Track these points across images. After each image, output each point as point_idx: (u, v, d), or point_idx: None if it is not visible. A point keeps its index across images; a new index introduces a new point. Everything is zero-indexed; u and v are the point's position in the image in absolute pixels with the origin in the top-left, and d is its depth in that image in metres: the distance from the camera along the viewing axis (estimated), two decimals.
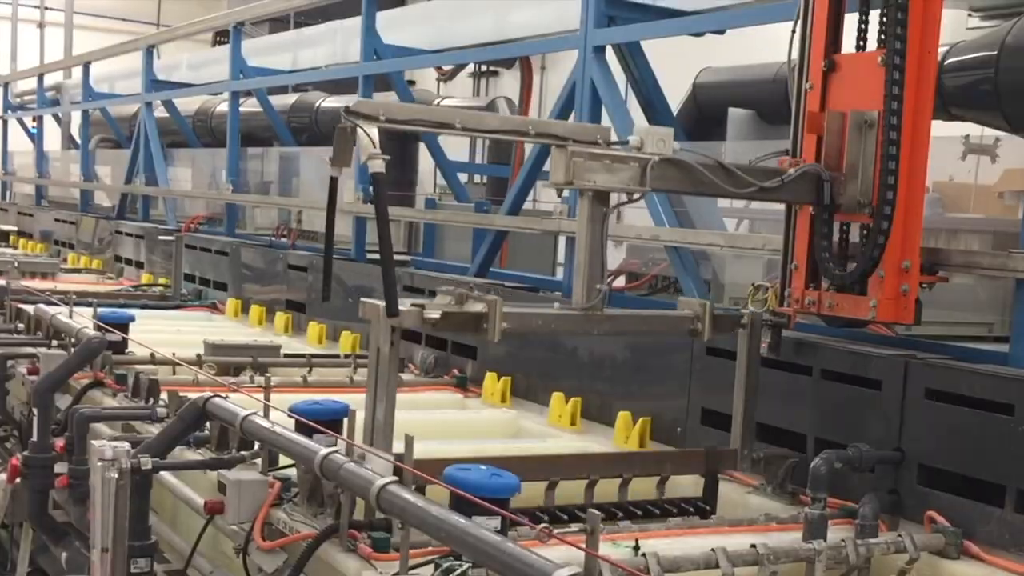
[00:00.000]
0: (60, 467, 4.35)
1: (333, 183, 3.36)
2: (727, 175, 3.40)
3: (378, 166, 3.11)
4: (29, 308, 6.24)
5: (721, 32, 4.93)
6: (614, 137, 3.55)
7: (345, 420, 3.17)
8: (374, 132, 3.13)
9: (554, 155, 3.34)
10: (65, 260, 10.91)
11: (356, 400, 3.76)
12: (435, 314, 3.19)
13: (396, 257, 7.57)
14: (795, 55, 3.71)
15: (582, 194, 3.39)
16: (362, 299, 3.31)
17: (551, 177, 3.36)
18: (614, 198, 3.45)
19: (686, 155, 3.37)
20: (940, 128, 3.80)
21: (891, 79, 3.33)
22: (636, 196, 3.44)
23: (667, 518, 3.46)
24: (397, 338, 3.16)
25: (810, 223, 3.60)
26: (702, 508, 3.57)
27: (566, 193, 5.30)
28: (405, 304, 3.18)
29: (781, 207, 3.76)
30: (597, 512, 2.19)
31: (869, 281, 3.48)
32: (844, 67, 3.56)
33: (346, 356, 5.88)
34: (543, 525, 2.31)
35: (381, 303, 3.13)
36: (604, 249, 3.41)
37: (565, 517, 3.33)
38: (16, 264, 8.77)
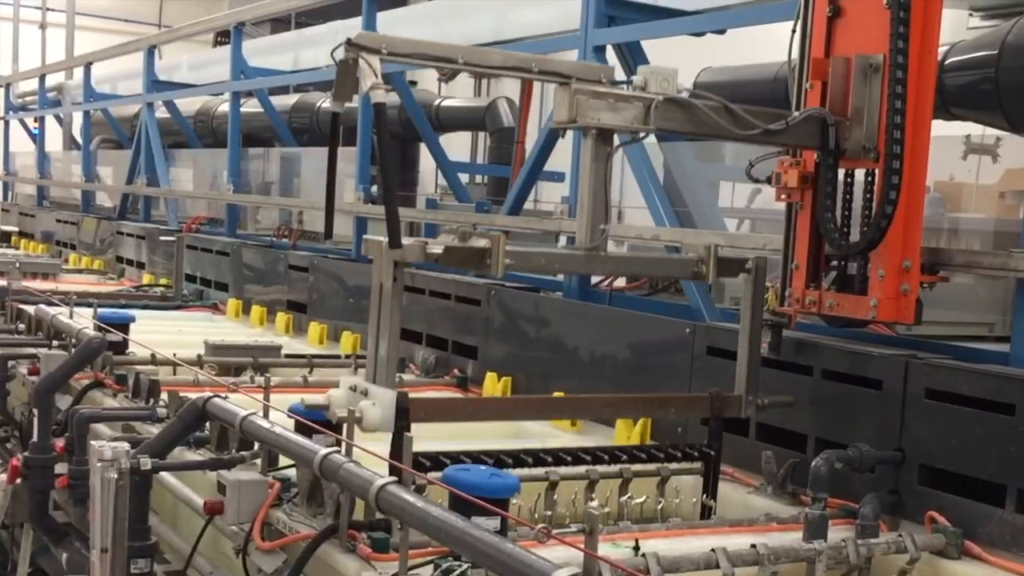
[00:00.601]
0: (60, 468, 4.35)
1: (335, 119, 3.37)
2: (731, 117, 3.37)
3: (380, 96, 3.11)
4: (30, 309, 6.24)
5: (721, 32, 4.93)
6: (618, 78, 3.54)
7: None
8: (376, 64, 3.13)
9: (558, 94, 3.32)
10: (66, 261, 10.92)
11: None
12: (437, 249, 3.17)
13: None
14: (795, 55, 3.71)
15: (585, 133, 3.37)
16: (365, 236, 3.31)
17: (555, 117, 3.34)
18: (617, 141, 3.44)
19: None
20: (941, 128, 3.79)
21: (897, 19, 3.30)
22: (641, 136, 3.42)
23: (670, 462, 3.49)
24: (400, 274, 3.15)
25: (814, 175, 3.55)
26: (706, 453, 3.56)
27: (566, 192, 5.30)
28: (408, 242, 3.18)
29: (781, 207, 3.75)
30: (596, 511, 2.19)
31: (869, 280, 3.47)
32: (849, 11, 3.52)
33: (347, 356, 5.88)
34: (542, 525, 2.31)
35: (384, 238, 3.12)
36: (607, 190, 3.39)
37: (569, 459, 3.37)
38: (17, 265, 8.78)
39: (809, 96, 3.59)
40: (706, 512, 3.55)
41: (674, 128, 3.44)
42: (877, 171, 3.42)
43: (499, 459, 3.28)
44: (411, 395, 5.10)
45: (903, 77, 3.31)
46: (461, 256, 3.22)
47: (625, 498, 3.49)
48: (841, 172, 3.55)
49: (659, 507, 3.52)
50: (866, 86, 3.43)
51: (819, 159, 3.54)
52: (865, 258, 3.48)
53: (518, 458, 3.34)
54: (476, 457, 3.22)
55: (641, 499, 3.51)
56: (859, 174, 3.56)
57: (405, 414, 3.09)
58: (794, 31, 3.70)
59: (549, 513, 3.39)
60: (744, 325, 3.70)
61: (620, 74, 5.11)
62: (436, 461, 3.14)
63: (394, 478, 2.69)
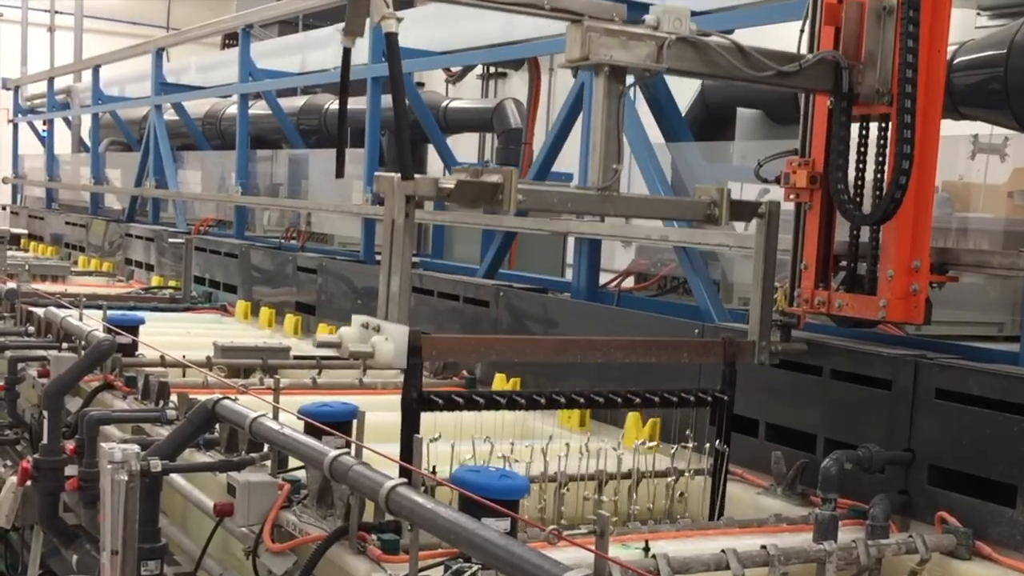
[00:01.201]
0: (70, 470, 4.36)
1: (346, 54, 3.37)
2: (744, 58, 3.36)
3: (391, 26, 3.10)
4: (40, 311, 6.25)
5: (729, 32, 4.91)
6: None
7: (354, 422, 3.17)
8: None
9: (570, 31, 3.31)
10: (75, 263, 10.95)
11: (365, 402, 3.77)
12: (450, 184, 3.15)
13: None
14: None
15: (598, 72, 3.35)
16: (376, 173, 3.30)
17: (567, 55, 3.32)
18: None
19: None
20: (949, 127, 3.79)
21: None
22: (651, 75, 3.40)
23: (682, 406, 3.51)
24: (412, 209, 3.13)
25: (827, 122, 3.54)
26: (719, 398, 3.56)
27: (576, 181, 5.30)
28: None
29: (790, 207, 3.75)
30: (606, 514, 2.19)
31: (879, 280, 3.47)
32: None
33: (355, 358, 5.87)
34: (552, 527, 2.31)
35: (395, 174, 3.11)
36: (620, 128, 3.37)
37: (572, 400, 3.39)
38: (27, 267, 8.82)
39: (822, 40, 3.55)
40: (719, 459, 3.54)
41: (687, 68, 3.42)
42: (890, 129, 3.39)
43: (511, 399, 3.34)
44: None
45: (916, 17, 3.29)
46: (473, 191, 3.18)
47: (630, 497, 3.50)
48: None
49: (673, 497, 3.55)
50: (880, 29, 3.42)
51: (832, 106, 3.52)
52: (875, 255, 3.48)
53: (531, 399, 3.40)
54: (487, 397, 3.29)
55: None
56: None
57: (417, 351, 3.08)
58: (802, 31, 3.69)
59: (566, 510, 3.39)
60: (757, 271, 3.68)
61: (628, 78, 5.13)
62: (448, 400, 3.20)
63: (404, 480, 2.69)
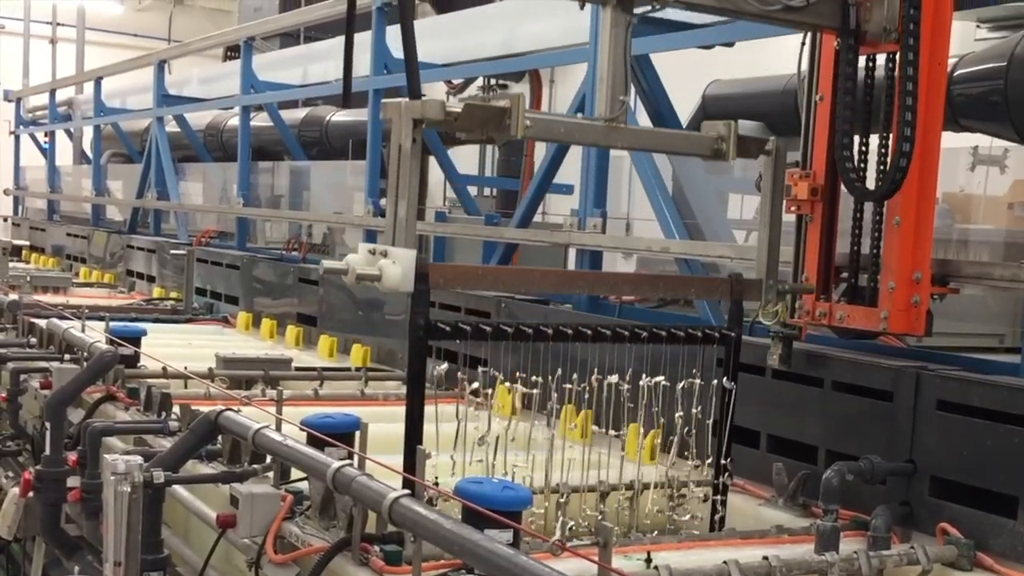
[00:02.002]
0: (73, 481, 4.37)
1: None
2: None
3: None
4: (42, 322, 6.26)
5: (730, 45, 4.94)
6: None
7: (357, 433, 3.18)
8: None
9: None
10: (77, 274, 10.96)
11: (367, 413, 3.77)
12: (457, 108, 3.13)
13: None
14: (804, 67, 3.72)
15: (605, 2, 3.33)
16: (383, 100, 3.28)
17: None
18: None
19: None
20: (949, 140, 3.80)
21: None
22: (659, 5, 3.39)
23: (690, 343, 3.48)
24: (419, 134, 3.11)
25: (834, 64, 3.51)
26: (727, 335, 3.55)
27: (576, 205, 5.31)
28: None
29: (791, 219, 3.76)
30: (609, 525, 2.20)
31: (880, 292, 3.48)
32: None
33: (357, 369, 5.89)
34: (555, 539, 2.32)
35: (402, 100, 3.11)
36: (628, 59, 3.35)
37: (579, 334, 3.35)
38: (29, 278, 8.82)
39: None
40: (726, 395, 3.53)
41: (695, 0, 3.39)
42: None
43: (519, 329, 3.32)
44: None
45: None
46: (480, 115, 3.15)
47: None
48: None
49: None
50: None
51: (839, 45, 3.50)
52: (876, 267, 3.49)
53: (538, 331, 3.35)
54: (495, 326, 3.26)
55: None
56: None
57: (424, 279, 3.06)
58: (803, 43, 3.71)
59: (570, 522, 3.40)
60: (764, 210, 3.66)
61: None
62: (455, 328, 3.19)
63: (407, 491, 2.70)
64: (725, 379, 3.56)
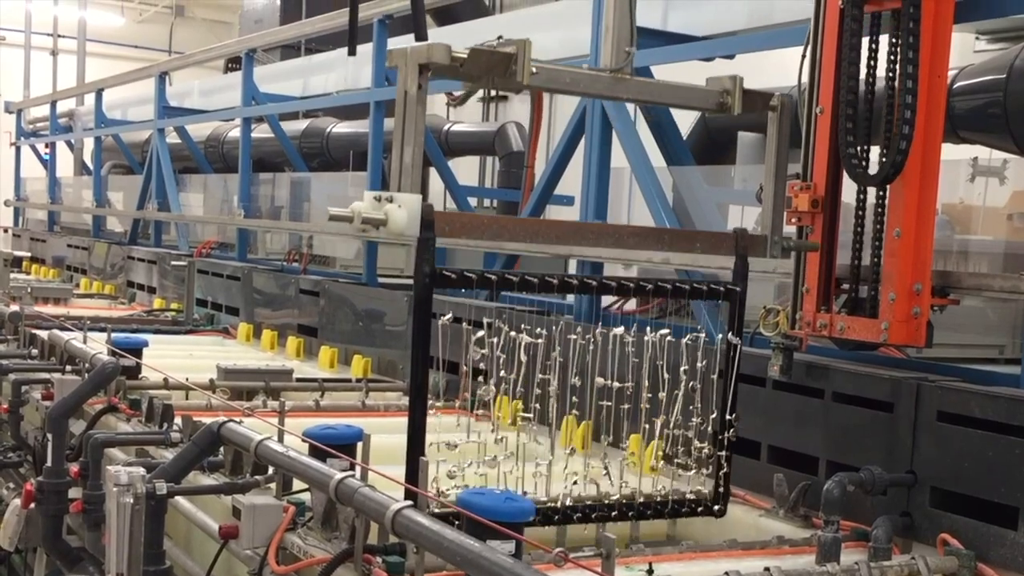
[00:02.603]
0: (74, 492, 4.37)
1: None
2: None
3: None
4: (43, 334, 6.27)
5: (731, 57, 4.96)
6: None
7: (360, 444, 3.19)
8: None
9: None
10: (78, 285, 10.98)
11: (368, 424, 3.78)
12: (463, 53, 3.12)
13: (406, 281, 7.59)
14: (805, 79, 3.74)
15: None
16: (389, 49, 3.27)
17: None
18: None
19: None
20: (949, 151, 3.82)
21: None
22: None
23: (696, 298, 3.48)
24: (425, 81, 3.10)
25: (838, 28, 3.51)
26: (732, 290, 3.54)
27: (576, 217, 5.32)
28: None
29: (791, 229, 3.77)
30: (612, 537, 2.21)
31: (880, 303, 3.49)
32: None
33: (357, 380, 5.89)
34: (559, 549, 2.32)
35: (407, 46, 3.10)
36: (633, 10, 3.35)
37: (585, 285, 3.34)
38: (29, 290, 8.83)
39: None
40: (731, 351, 3.52)
41: None
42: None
43: (524, 279, 3.26)
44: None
45: None
46: (486, 61, 3.14)
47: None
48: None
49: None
50: None
51: (843, 3, 3.49)
52: (876, 278, 3.50)
53: (544, 281, 3.32)
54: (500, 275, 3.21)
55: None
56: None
57: (430, 226, 3.04)
58: (804, 56, 3.72)
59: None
60: (769, 164, 3.67)
61: (629, 105, 5.17)
62: (461, 276, 3.16)
63: (410, 502, 2.71)
64: (730, 334, 3.55)
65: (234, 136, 10.62)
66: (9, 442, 5.74)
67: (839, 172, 3.67)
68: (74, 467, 4.39)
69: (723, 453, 3.55)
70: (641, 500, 3.49)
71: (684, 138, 5.58)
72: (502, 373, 3.33)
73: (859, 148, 3.48)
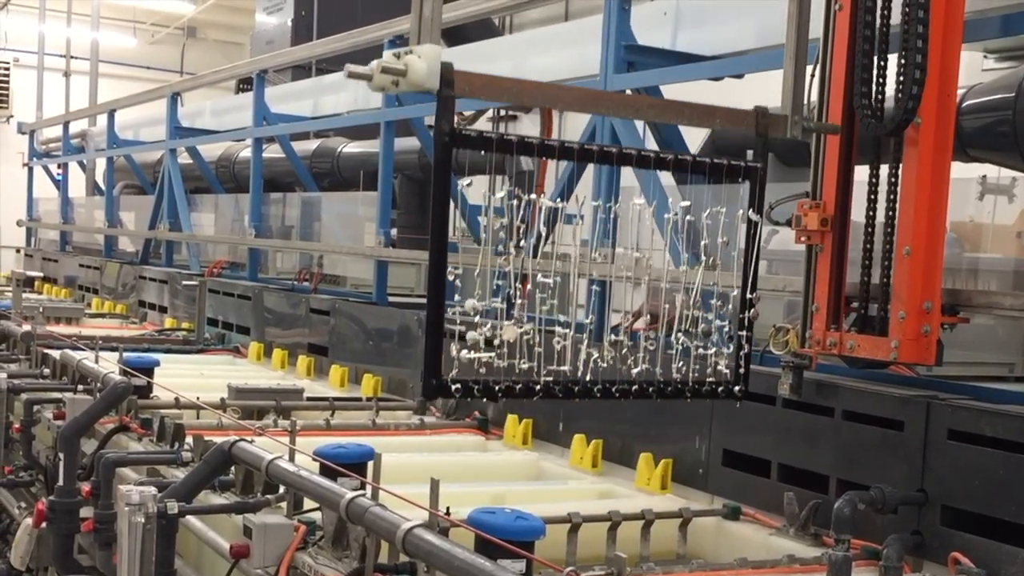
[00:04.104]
0: (86, 511, 4.39)
1: None
2: None
3: None
4: (55, 353, 6.30)
5: (740, 76, 4.97)
6: None
7: (371, 463, 3.19)
8: None
9: None
10: (89, 305, 11.02)
11: (379, 443, 3.79)
12: None
13: (417, 300, 7.59)
14: (814, 98, 3.74)
15: None
16: None
17: None
18: None
19: None
20: (958, 169, 3.82)
21: None
22: None
23: (715, 174, 3.46)
24: None
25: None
26: (752, 167, 3.51)
27: (585, 235, 5.32)
28: None
29: (801, 248, 3.78)
30: (623, 556, 2.21)
31: (890, 322, 3.49)
32: None
33: (368, 399, 5.91)
34: (570, 568, 2.33)
35: None
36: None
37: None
38: (41, 309, 8.86)
39: None
40: (752, 226, 3.50)
41: None
42: None
43: (543, 144, 3.21)
44: (431, 437, 5.19)
45: None
46: None
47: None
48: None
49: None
50: None
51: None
52: (886, 297, 3.50)
53: (563, 148, 3.26)
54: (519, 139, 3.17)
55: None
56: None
57: (450, 84, 2.99)
58: (812, 75, 3.73)
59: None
60: (790, 42, 3.63)
61: (639, 123, 5.19)
62: (481, 138, 3.15)
63: (420, 521, 2.71)
64: (751, 211, 3.52)
65: (245, 156, 10.65)
66: (21, 461, 5.76)
67: (849, 190, 3.68)
68: (86, 486, 4.40)
69: (743, 333, 3.52)
70: (661, 380, 3.46)
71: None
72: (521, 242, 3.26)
73: (872, 100, 3.46)
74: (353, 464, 3.38)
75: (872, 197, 3.59)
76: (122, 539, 3.31)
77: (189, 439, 4.49)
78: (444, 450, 4.95)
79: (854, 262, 3.67)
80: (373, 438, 4.65)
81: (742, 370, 3.50)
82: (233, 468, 3.82)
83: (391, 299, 7.12)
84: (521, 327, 3.10)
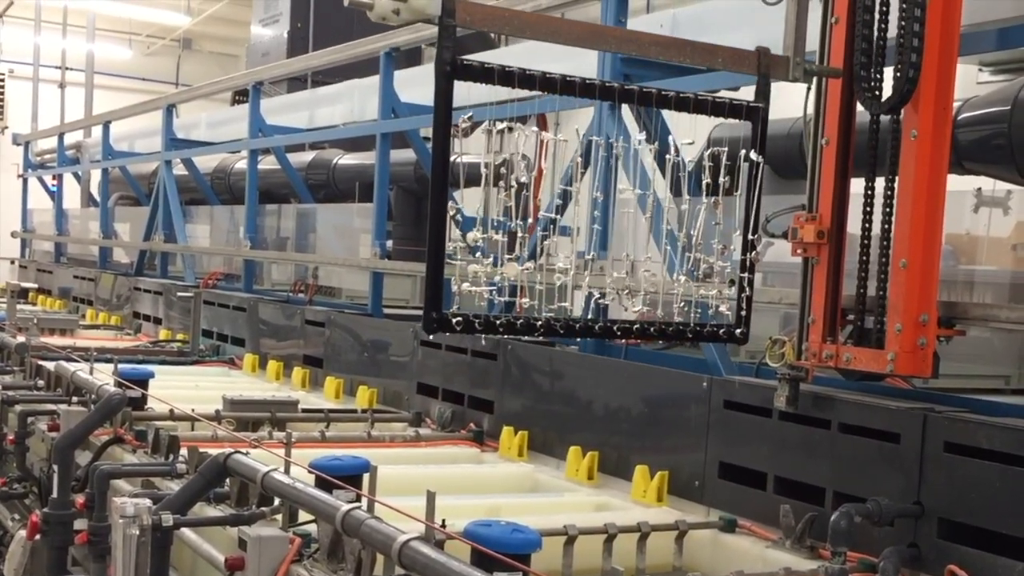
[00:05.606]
0: (80, 524, 4.37)
1: None
2: None
3: None
4: (49, 364, 6.28)
5: (735, 89, 4.98)
6: None
7: (366, 476, 3.19)
8: None
9: None
10: (84, 316, 11.00)
11: (374, 455, 3.79)
12: None
13: (413, 312, 7.58)
14: (810, 110, 3.75)
15: None
16: None
17: None
18: None
19: None
20: (954, 182, 3.83)
21: None
22: None
23: (717, 114, 3.47)
24: None
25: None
26: (754, 107, 3.53)
27: (581, 248, 5.32)
28: None
29: (797, 260, 3.78)
30: (620, 568, 2.20)
31: (886, 334, 3.49)
32: None
33: (363, 411, 5.90)
34: None
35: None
36: None
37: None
38: (36, 321, 8.84)
39: None
40: (753, 168, 3.50)
41: None
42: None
43: (544, 77, 3.25)
44: (426, 449, 5.19)
45: None
46: None
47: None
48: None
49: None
50: None
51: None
52: (882, 309, 3.50)
53: (565, 81, 3.31)
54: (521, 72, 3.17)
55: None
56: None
57: (451, 13, 2.97)
58: (809, 87, 3.74)
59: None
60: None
61: (635, 132, 5.19)
62: (484, 70, 3.13)
63: (417, 534, 2.71)
64: (752, 152, 3.53)
65: (241, 168, 10.66)
66: (15, 473, 5.74)
67: (845, 203, 3.68)
68: (80, 498, 4.39)
69: (745, 275, 3.53)
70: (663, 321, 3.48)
71: (689, 170, 5.59)
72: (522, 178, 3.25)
73: (872, 78, 3.47)
74: (349, 476, 3.37)
75: (868, 209, 3.59)
76: (116, 552, 3.30)
77: (184, 451, 4.48)
78: (440, 462, 4.94)
79: (850, 274, 3.68)
80: (368, 450, 4.64)
81: (743, 312, 3.50)
82: (228, 480, 3.81)
83: (386, 311, 7.11)
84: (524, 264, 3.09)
